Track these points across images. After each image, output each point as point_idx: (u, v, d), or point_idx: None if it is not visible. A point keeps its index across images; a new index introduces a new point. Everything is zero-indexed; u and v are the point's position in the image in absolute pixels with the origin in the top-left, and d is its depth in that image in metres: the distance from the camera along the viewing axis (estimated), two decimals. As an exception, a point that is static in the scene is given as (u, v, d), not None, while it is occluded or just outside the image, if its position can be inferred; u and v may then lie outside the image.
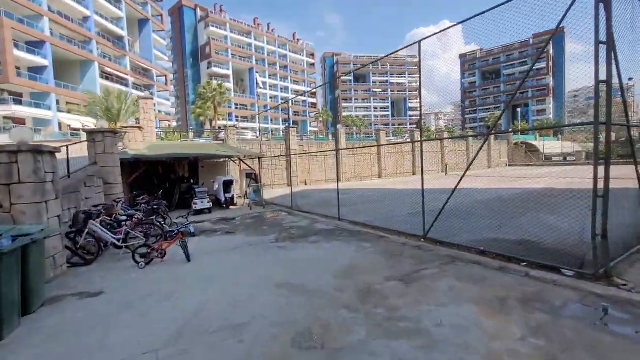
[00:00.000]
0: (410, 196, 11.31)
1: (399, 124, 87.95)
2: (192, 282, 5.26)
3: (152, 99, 19.33)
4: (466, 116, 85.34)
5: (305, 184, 24.86)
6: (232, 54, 66.58)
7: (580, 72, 4.88)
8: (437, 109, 67.79)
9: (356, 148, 26.72)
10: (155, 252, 6.28)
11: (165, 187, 15.41)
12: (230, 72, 65.57)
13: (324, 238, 7.87)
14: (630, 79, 4.51)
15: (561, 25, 4.86)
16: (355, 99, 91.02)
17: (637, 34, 5.62)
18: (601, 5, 4.39)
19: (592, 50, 4.38)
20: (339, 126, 30.42)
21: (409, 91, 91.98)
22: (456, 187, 6.50)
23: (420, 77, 6.84)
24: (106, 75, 38.90)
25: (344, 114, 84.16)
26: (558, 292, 4.20)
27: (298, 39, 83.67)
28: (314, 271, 5.48)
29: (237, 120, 58.46)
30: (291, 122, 67.98)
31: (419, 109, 7.49)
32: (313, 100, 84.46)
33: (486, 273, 4.99)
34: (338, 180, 10.68)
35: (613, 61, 4.57)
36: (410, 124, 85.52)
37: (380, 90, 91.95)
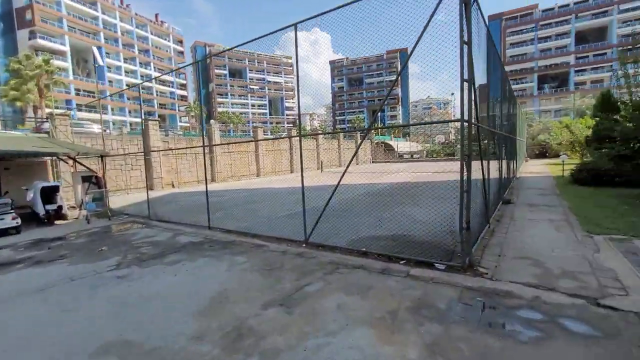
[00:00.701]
0: (289, 195, 10.70)
1: (277, 123, 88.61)
2: None
3: None
4: (337, 117, 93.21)
5: (173, 187, 21.50)
6: (69, 26, 52.95)
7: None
8: (312, 110, 71.72)
9: (230, 143, 24.68)
10: None
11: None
12: (67, 49, 52.01)
13: (188, 255, 6.28)
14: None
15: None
16: (231, 95, 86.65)
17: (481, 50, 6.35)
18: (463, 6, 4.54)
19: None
20: (212, 121, 27.74)
21: (286, 91, 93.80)
22: (338, 184, 6.10)
23: (296, 62, 6.12)
24: None
25: (220, 109, 79.07)
26: (439, 291, 4.10)
27: (162, 21, 73.57)
28: (166, 312, 3.99)
29: (79, 110, 46.72)
30: (156, 115, 59.35)
31: (296, 106, 6.99)
32: (183, 93, 75.99)
33: (371, 279, 4.62)
34: (206, 181, 9.04)
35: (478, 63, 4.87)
36: (287, 123, 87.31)
37: (257, 87, 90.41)
